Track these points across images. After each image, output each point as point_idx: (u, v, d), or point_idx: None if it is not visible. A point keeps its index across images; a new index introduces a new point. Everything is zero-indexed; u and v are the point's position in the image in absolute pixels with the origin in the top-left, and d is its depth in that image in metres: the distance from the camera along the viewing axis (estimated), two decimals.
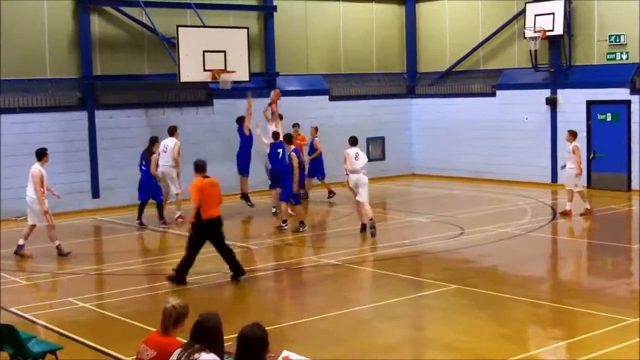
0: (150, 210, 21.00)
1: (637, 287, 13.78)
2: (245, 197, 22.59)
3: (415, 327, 12.36)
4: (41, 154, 17.28)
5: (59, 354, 9.59)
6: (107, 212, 22.62)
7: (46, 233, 17.24)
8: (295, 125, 24.43)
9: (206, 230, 14.43)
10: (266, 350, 6.05)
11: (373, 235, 18.48)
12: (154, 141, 20.93)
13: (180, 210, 20.94)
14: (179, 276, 14.47)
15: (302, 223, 19.61)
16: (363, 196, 18.84)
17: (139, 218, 20.72)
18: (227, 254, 14.72)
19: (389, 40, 29.96)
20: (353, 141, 19.57)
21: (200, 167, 14.56)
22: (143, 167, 20.76)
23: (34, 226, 17.22)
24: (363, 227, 18.98)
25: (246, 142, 22.52)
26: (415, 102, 30.14)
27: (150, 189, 20.70)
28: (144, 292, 14.26)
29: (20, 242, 17.20)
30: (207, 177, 14.54)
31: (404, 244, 17.98)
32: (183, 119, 24.35)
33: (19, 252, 17.10)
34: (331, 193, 24.17)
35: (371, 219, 18.69)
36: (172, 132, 21.56)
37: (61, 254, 17.08)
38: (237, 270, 14.70)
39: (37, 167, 16.99)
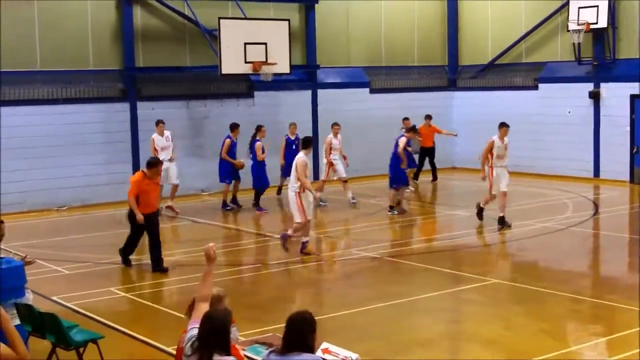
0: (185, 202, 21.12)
1: None
2: (234, 200, 22.11)
3: (454, 321, 12.32)
4: (307, 143, 16.29)
5: (100, 343, 9.70)
6: None
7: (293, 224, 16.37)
8: (428, 117, 26.20)
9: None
10: (313, 335, 6.05)
11: (502, 228, 18.24)
12: (258, 128, 21.76)
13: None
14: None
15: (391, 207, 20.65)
16: (504, 187, 18.46)
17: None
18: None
19: (431, 32, 29.82)
20: (505, 126, 18.57)
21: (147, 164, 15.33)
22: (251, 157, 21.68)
23: (307, 220, 16.19)
24: (502, 220, 18.43)
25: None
26: (456, 95, 30.00)
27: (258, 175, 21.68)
28: (184, 282, 14.32)
29: (304, 239, 16.24)
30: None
31: (444, 238, 17.91)
32: (224, 111, 24.44)
33: (303, 250, 16.15)
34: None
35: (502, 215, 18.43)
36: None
37: (302, 251, 16.16)
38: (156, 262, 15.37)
39: (301, 155, 15.94)
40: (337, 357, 7.39)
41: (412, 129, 21.61)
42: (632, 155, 24.80)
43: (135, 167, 23.34)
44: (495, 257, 16.06)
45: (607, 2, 24.97)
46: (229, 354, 6.13)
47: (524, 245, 17.10)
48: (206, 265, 6.87)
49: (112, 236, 18.14)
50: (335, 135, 22.42)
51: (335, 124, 22.66)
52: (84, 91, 22.87)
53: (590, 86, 25.92)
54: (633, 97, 24.88)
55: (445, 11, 30.02)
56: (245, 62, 22.26)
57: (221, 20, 22.19)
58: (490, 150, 18.31)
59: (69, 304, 12.85)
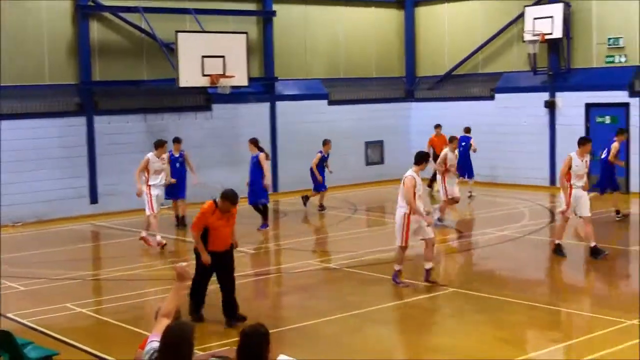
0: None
1: (635, 289, 13.79)
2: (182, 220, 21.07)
3: (414, 331, 12.33)
4: (419, 158, 14.41)
5: (55, 359, 9.58)
6: (105, 218, 22.60)
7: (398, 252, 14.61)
8: (437, 126, 26.03)
9: None
10: (268, 348, 6.05)
11: (605, 257, 16.05)
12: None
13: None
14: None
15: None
16: (585, 211, 16.28)
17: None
18: None
19: (388, 44, 29.97)
20: (585, 141, 16.55)
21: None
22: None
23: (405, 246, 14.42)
24: (596, 251, 16.13)
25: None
26: (414, 106, 30.13)
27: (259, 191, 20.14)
28: (140, 297, 14.21)
29: (396, 267, 14.55)
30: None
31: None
32: (182, 124, 24.31)
33: (396, 279, 14.46)
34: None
35: (595, 245, 16.22)
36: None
37: (428, 279, 14.39)
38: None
39: (410, 172, 14.27)
40: None
41: (621, 131, 20.18)
42: None
43: (92, 182, 23.18)
44: (453, 266, 16.12)
45: (561, 13, 25.24)
46: None
47: (482, 253, 17.20)
48: (177, 282, 6.77)
49: (68, 252, 17.92)
50: (453, 150, 20.43)
51: (453, 138, 20.90)
52: (40, 106, 22.60)
53: (546, 96, 26.20)
54: (588, 106, 25.18)
55: (402, 23, 30.19)
56: (203, 75, 22.16)
57: (179, 33, 22.10)
58: (568, 168, 16.20)
59: (23, 321, 12.67)
